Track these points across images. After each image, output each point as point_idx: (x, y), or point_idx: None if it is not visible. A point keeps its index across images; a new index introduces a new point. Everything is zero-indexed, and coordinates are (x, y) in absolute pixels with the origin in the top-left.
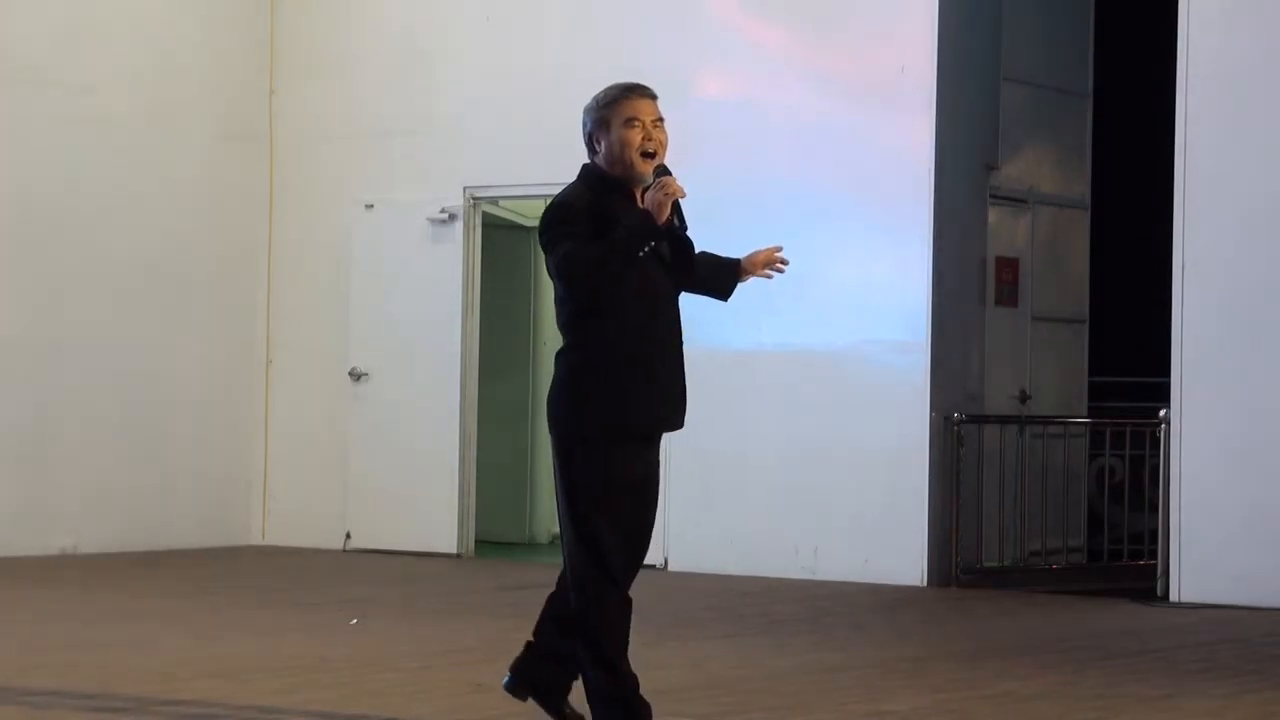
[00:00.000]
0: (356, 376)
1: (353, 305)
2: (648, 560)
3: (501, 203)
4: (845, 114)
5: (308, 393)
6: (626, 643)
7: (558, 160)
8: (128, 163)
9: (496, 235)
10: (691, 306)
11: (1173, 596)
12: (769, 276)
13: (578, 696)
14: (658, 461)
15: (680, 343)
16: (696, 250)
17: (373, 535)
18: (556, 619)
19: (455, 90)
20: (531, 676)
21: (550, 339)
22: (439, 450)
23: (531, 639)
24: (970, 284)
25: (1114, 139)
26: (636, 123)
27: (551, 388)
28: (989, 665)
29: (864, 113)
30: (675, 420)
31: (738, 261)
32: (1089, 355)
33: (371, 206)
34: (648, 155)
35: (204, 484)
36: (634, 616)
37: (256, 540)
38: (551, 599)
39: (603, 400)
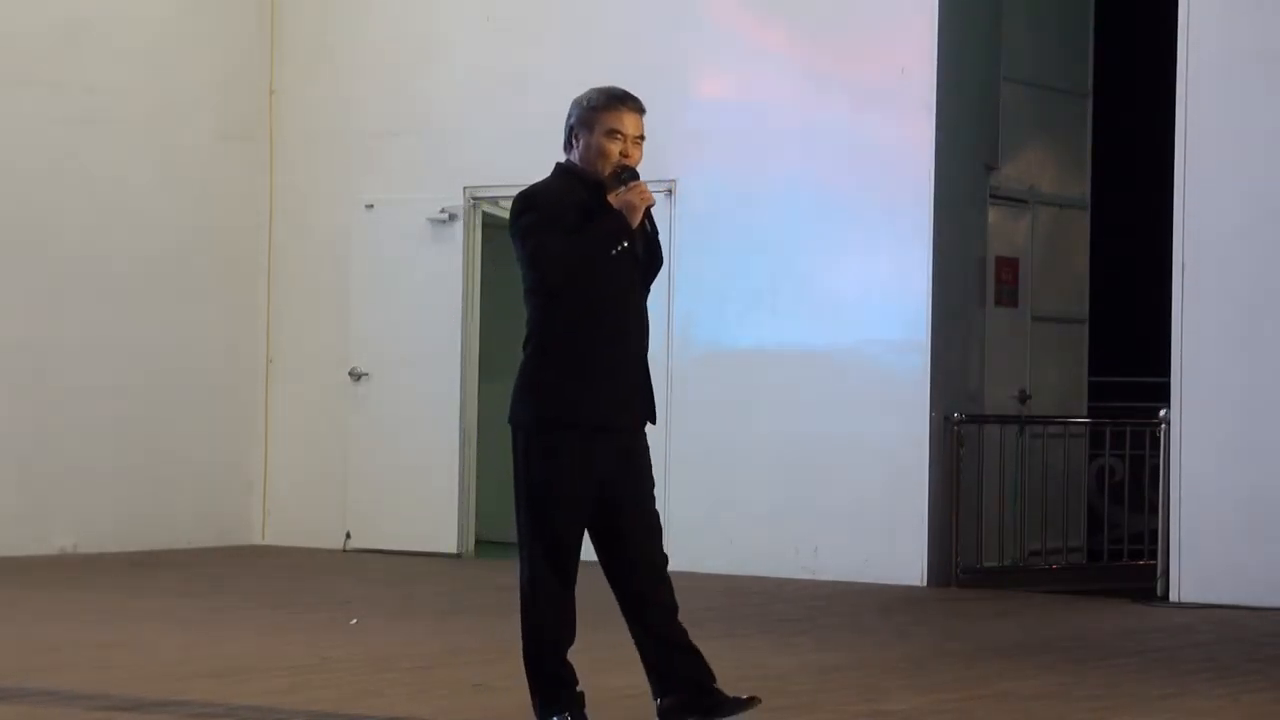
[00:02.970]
0: (356, 376)
1: (353, 305)
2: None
3: (501, 203)
4: (845, 114)
5: (308, 393)
6: None
7: (558, 160)
8: (128, 163)
9: (496, 235)
10: (693, 307)
11: (1173, 596)
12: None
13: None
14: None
15: (646, 343)
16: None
17: (373, 535)
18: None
19: (455, 90)
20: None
21: None
22: (439, 450)
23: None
24: (970, 284)
25: (1114, 139)
26: (619, 136)
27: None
28: (989, 665)
29: (864, 113)
30: (625, 419)
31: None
32: (1089, 355)
33: (371, 206)
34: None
35: (204, 484)
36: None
37: (256, 540)
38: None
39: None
